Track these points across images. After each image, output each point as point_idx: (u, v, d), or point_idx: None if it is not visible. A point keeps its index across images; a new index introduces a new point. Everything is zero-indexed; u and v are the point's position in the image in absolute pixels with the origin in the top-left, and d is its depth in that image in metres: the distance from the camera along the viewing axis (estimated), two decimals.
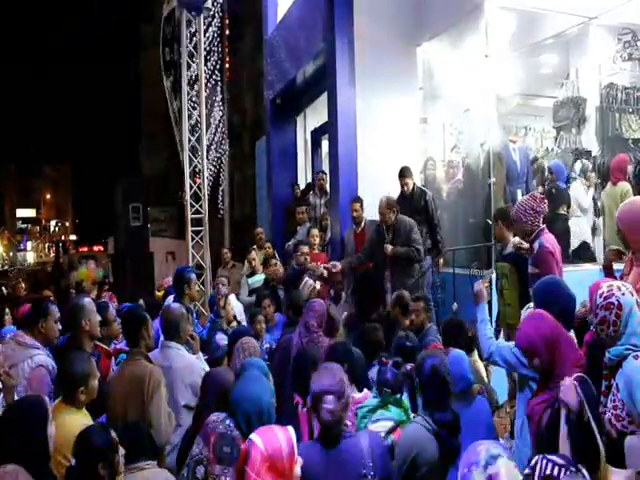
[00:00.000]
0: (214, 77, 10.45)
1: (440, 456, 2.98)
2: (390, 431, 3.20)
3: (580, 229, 7.13)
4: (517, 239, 4.97)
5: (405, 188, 6.89)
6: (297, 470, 2.36)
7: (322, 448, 2.64)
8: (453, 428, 3.05)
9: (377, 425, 3.23)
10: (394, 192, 7.02)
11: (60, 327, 4.08)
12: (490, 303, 5.62)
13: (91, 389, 3.18)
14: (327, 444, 2.64)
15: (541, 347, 3.03)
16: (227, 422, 2.69)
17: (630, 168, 6.85)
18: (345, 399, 2.71)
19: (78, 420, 3.01)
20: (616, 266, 4.21)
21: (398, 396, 3.39)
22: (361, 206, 7.18)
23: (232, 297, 7.12)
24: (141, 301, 6.90)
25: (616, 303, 2.90)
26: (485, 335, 3.64)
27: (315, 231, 7.94)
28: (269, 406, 2.74)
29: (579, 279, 4.69)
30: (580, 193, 7.18)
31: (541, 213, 4.66)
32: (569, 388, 2.82)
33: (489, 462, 2.13)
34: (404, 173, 6.92)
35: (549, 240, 4.59)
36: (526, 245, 4.85)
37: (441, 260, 6.80)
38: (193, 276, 5.66)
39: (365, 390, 3.69)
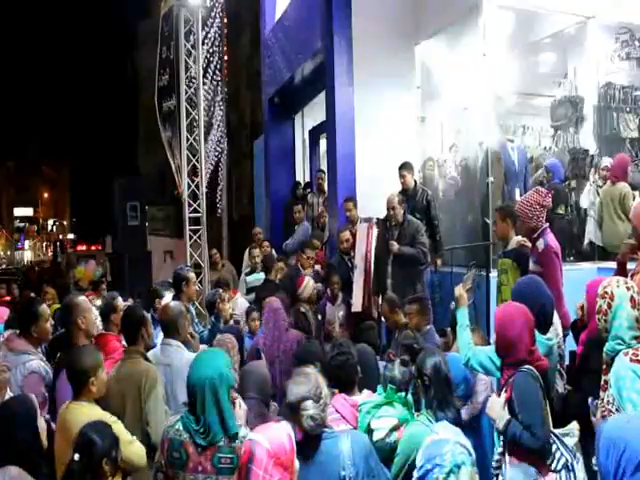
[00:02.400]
0: (215, 77, 10.44)
1: None
2: (393, 429, 3.19)
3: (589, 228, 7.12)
4: (520, 237, 4.92)
5: (402, 181, 6.87)
6: (297, 463, 2.38)
7: (302, 451, 2.61)
8: (455, 426, 3.04)
9: (380, 422, 3.22)
10: (391, 191, 7.02)
11: (52, 322, 4.08)
12: (489, 301, 5.67)
13: (101, 380, 3.18)
14: (307, 448, 2.62)
15: (498, 332, 3.08)
16: (177, 426, 2.69)
17: (631, 167, 6.85)
18: (323, 400, 2.71)
19: (94, 413, 3.01)
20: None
21: (403, 394, 3.38)
22: (354, 205, 7.18)
23: (238, 295, 7.13)
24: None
25: (610, 293, 2.97)
26: (464, 340, 3.66)
27: (317, 242, 7.99)
28: (222, 372, 2.70)
29: (576, 278, 4.72)
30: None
31: (546, 207, 4.65)
32: (493, 404, 2.95)
33: (453, 470, 2.18)
34: (402, 167, 6.89)
35: (552, 240, 4.58)
36: (529, 243, 4.83)
37: (439, 261, 6.79)
38: (192, 275, 5.71)
39: (365, 391, 3.67)
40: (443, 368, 3.10)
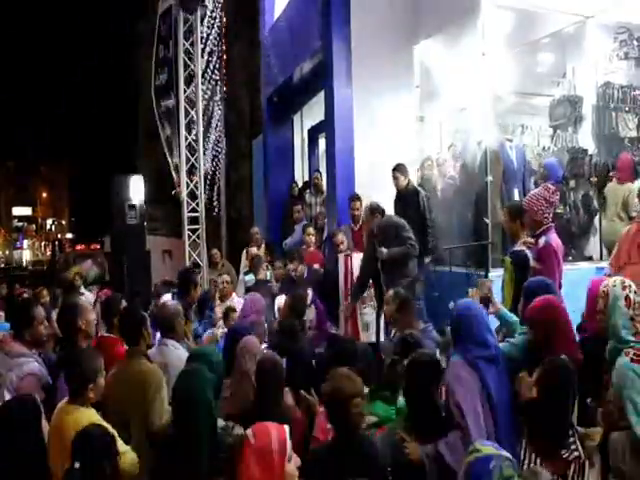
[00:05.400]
0: (214, 76, 10.45)
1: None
2: (374, 425, 3.19)
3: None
4: (529, 238, 4.90)
5: (395, 182, 6.92)
6: (290, 468, 2.36)
7: (340, 450, 2.64)
8: (436, 433, 2.99)
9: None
10: (390, 190, 7.04)
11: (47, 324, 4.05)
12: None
13: (99, 386, 3.16)
14: (348, 445, 2.63)
15: (538, 325, 3.05)
16: (169, 431, 2.69)
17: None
18: (364, 400, 2.75)
19: (90, 417, 3.00)
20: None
21: (388, 392, 3.38)
22: (361, 204, 7.21)
23: (234, 296, 7.14)
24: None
25: (606, 291, 2.99)
26: None
27: (311, 229, 7.96)
28: (203, 400, 2.66)
29: (574, 277, 4.74)
30: None
31: (553, 204, 4.67)
32: (522, 381, 2.95)
33: None
34: (394, 168, 6.97)
35: (555, 239, 4.59)
36: (532, 240, 4.81)
37: (427, 259, 6.78)
38: (199, 279, 5.78)
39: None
40: (430, 374, 3.06)
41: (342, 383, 2.75)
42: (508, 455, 2.41)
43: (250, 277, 7.88)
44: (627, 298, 2.99)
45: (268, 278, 7.45)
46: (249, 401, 3.45)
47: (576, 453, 2.75)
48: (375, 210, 6.35)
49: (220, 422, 2.77)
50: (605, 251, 6.92)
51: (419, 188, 7.05)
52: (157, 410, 3.43)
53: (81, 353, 3.37)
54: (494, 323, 4.57)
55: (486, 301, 4.02)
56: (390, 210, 6.87)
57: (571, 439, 2.78)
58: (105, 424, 2.95)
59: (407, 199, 6.87)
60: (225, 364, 3.96)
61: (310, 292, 6.52)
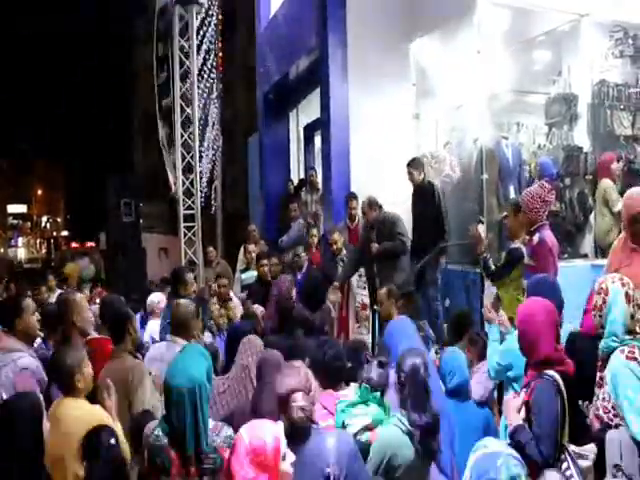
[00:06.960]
0: (210, 74, 10.44)
1: (417, 457, 2.91)
2: (366, 428, 3.17)
3: None
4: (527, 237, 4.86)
5: (409, 178, 6.81)
6: (284, 466, 2.35)
7: (288, 444, 2.57)
8: (430, 430, 2.95)
9: (355, 420, 3.21)
10: (386, 188, 7.04)
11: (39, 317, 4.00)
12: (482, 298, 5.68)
13: (87, 375, 3.15)
14: (295, 441, 2.56)
15: (520, 329, 3.04)
16: (156, 432, 2.66)
17: (615, 165, 6.90)
18: (312, 394, 2.71)
19: (87, 407, 3.01)
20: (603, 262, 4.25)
21: (378, 394, 3.36)
22: (357, 203, 7.23)
23: (231, 294, 7.14)
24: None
25: (605, 288, 3.00)
26: (490, 353, 3.81)
27: (314, 231, 8.02)
28: (200, 383, 2.64)
29: (570, 275, 4.75)
30: None
31: (549, 203, 4.67)
32: (508, 404, 2.85)
33: None
34: (408, 164, 6.82)
35: (549, 236, 4.60)
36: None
37: (442, 259, 6.73)
38: (190, 276, 5.70)
39: (352, 385, 3.67)
40: (421, 371, 3.01)
41: (284, 377, 2.73)
42: (515, 454, 2.38)
43: (246, 275, 7.89)
44: (627, 295, 2.99)
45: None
46: (246, 396, 3.45)
47: None
48: (373, 204, 6.49)
49: (210, 422, 2.75)
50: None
51: (434, 182, 6.99)
52: (138, 404, 3.43)
53: (60, 351, 3.33)
54: None
55: (496, 307, 4.17)
56: (405, 206, 6.85)
57: (565, 464, 2.64)
58: (103, 412, 2.96)
59: (423, 194, 6.72)
60: (225, 361, 3.98)
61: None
